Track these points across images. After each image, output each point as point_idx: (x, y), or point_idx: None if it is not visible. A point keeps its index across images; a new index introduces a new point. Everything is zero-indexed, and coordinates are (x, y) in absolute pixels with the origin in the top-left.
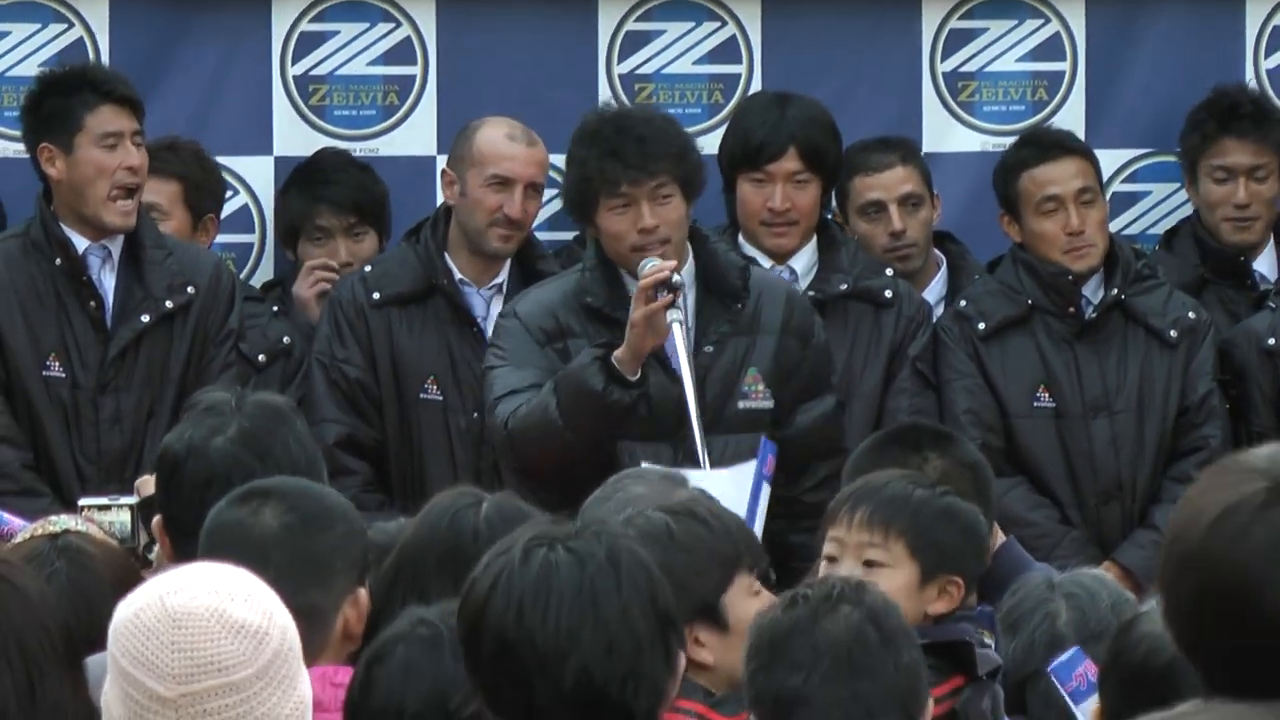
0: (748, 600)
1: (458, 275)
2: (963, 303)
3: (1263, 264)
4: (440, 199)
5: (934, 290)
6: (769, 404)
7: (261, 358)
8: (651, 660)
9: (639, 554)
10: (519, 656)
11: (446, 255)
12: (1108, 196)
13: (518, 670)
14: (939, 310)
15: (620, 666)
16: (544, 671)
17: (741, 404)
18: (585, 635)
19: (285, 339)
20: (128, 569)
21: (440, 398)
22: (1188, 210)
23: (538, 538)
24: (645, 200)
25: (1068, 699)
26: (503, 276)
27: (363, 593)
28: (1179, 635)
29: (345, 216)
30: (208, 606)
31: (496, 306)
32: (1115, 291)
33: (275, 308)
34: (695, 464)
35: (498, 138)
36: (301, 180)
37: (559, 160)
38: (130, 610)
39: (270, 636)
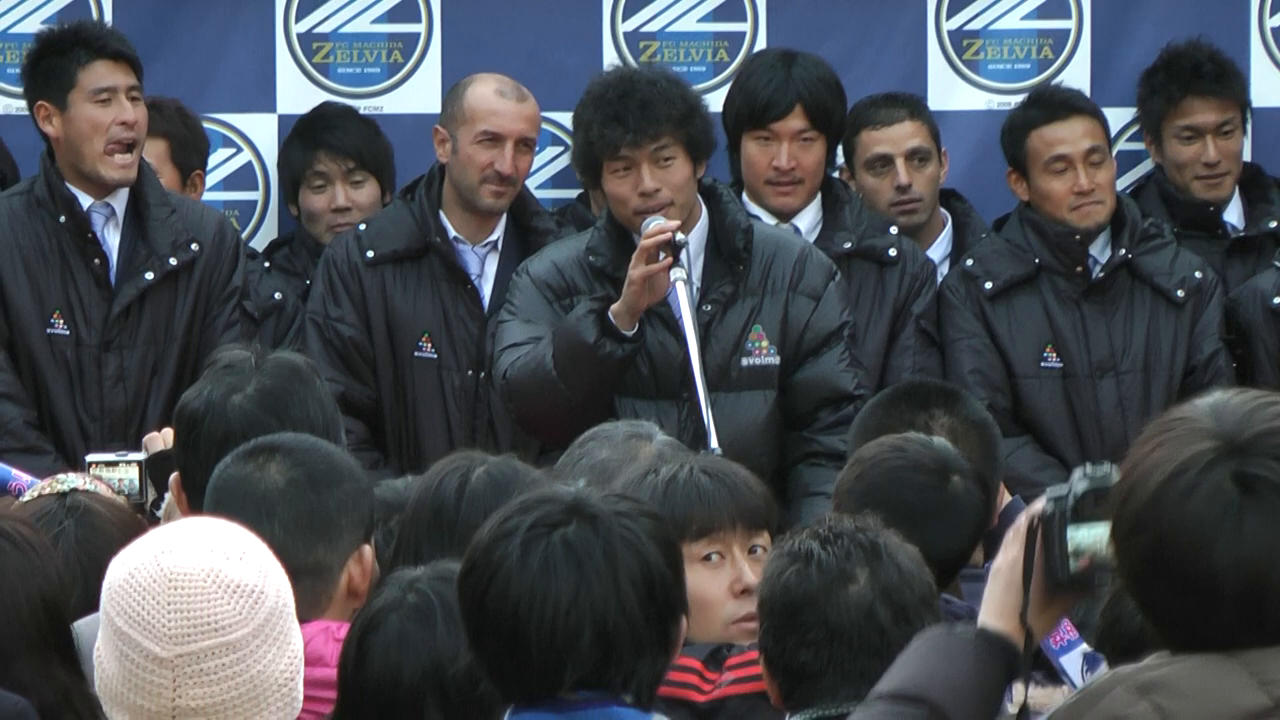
0: (691, 570)
1: (452, 233)
2: (969, 262)
3: (1232, 214)
4: None
5: (939, 248)
6: (774, 360)
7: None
8: (650, 653)
9: (636, 542)
10: (517, 653)
11: (441, 213)
12: (1112, 155)
13: (517, 662)
14: (944, 268)
15: (620, 667)
16: (544, 674)
17: (744, 361)
18: (583, 643)
19: (276, 295)
20: (136, 528)
21: (434, 355)
22: None
23: (536, 526)
24: (646, 163)
25: (1052, 654)
26: (497, 234)
27: (368, 550)
28: (1134, 593)
29: (344, 161)
30: (204, 566)
31: (491, 264)
32: (1122, 251)
33: (266, 264)
34: (700, 422)
35: (487, 94)
36: (302, 130)
37: (563, 118)
38: (125, 570)
39: (265, 595)
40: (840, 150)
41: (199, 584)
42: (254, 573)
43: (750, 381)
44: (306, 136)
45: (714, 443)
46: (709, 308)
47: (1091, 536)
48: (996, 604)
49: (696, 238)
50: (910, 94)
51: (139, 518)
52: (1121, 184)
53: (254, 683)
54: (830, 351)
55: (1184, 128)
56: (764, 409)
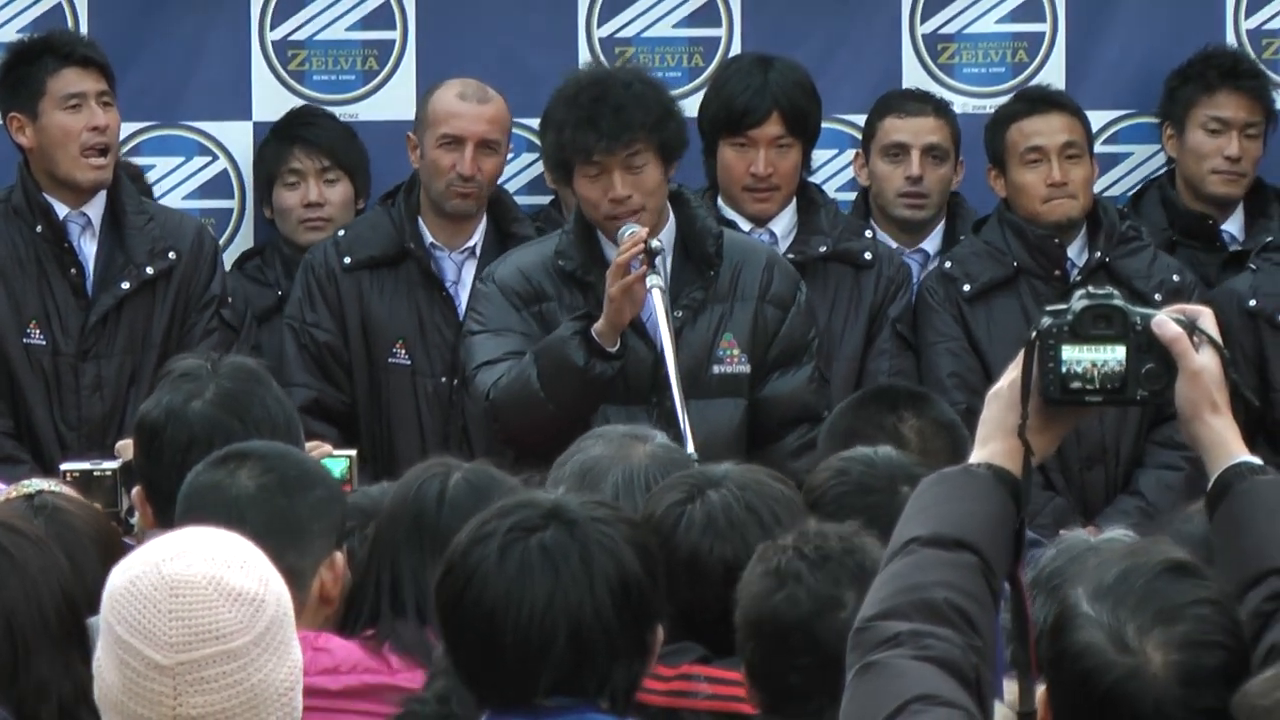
0: None
1: (429, 240)
2: (947, 264)
3: (1232, 225)
4: None
5: (933, 241)
6: (745, 369)
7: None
8: (626, 659)
9: (613, 547)
10: (492, 656)
11: (420, 220)
12: (1091, 157)
13: (492, 666)
14: (934, 264)
15: (595, 672)
16: (519, 677)
17: (716, 369)
18: (558, 646)
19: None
20: (106, 526)
21: (409, 362)
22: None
23: (514, 530)
24: (618, 169)
25: None
26: (475, 239)
27: (339, 556)
28: None
29: (319, 158)
30: (205, 574)
31: (469, 270)
32: (1099, 254)
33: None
34: (673, 427)
35: (449, 97)
36: (279, 128)
37: (538, 124)
38: (126, 578)
39: (266, 603)
40: (861, 137)
41: (200, 591)
42: (255, 581)
43: (722, 389)
44: (282, 134)
45: (691, 448)
46: (680, 313)
47: (1088, 356)
48: (995, 424)
49: (664, 241)
50: (941, 98)
51: (109, 519)
52: (1095, 186)
53: (254, 691)
54: (801, 370)
55: (1213, 118)
56: (735, 416)
